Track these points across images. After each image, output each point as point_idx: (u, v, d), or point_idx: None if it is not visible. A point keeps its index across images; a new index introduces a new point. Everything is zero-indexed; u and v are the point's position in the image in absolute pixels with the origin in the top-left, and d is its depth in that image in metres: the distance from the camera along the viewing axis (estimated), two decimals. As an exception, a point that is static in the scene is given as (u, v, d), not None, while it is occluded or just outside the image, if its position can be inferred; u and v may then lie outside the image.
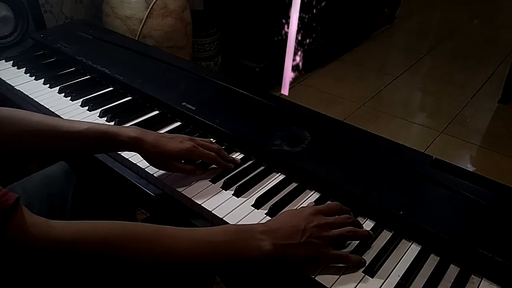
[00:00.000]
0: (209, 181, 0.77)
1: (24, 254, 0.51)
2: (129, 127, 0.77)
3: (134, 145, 0.74)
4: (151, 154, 0.75)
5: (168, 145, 0.75)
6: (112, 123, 0.94)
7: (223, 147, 0.86)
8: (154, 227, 0.58)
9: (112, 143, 0.75)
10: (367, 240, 0.65)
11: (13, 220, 0.49)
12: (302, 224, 0.61)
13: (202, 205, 0.72)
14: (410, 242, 0.67)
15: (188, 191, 0.75)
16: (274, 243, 0.59)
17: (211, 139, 0.87)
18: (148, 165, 0.80)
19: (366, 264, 0.62)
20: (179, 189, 0.75)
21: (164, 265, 0.56)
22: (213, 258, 0.58)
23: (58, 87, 1.07)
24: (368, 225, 0.69)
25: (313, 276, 0.60)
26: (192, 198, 0.73)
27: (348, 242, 0.65)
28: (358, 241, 0.65)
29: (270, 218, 0.69)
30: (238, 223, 0.68)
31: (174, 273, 0.58)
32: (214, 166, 0.80)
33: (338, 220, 0.64)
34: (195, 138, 0.80)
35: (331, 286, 0.59)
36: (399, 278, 0.60)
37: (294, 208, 0.72)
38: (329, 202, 0.72)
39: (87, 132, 0.74)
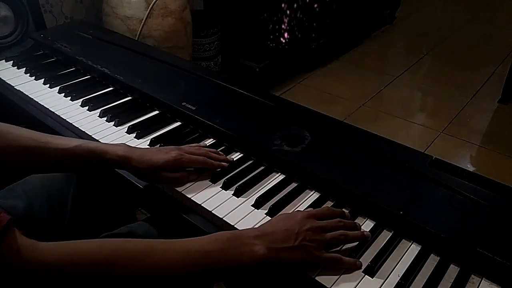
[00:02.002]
0: (209, 181, 0.77)
1: (13, 278, 0.50)
2: (117, 145, 0.77)
3: (122, 163, 0.75)
4: (140, 169, 0.75)
5: (155, 157, 0.75)
6: (112, 123, 0.94)
7: (223, 147, 0.86)
8: (144, 242, 0.58)
9: (100, 161, 0.75)
10: (363, 241, 0.65)
11: (3, 243, 0.48)
12: (296, 228, 0.61)
13: (202, 205, 0.72)
14: (410, 242, 0.67)
15: (188, 191, 0.75)
16: (268, 247, 0.59)
17: (202, 143, 0.87)
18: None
19: (366, 264, 0.62)
20: (179, 189, 0.75)
21: (157, 280, 0.56)
22: (207, 268, 0.58)
23: (58, 87, 1.07)
24: (368, 225, 0.69)
25: (313, 276, 0.60)
26: (192, 198, 0.73)
27: (347, 243, 0.65)
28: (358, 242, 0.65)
29: (270, 218, 0.70)
30: (238, 223, 0.69)
31: (169, 286, 0.57)
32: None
33: (331, 223, 0.64)
34: (181, 147, 0.80)
35: (331, 286, 0.59)
36: (399, 278, 0.60)
37: (292, 209, 0.72)
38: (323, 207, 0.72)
39: (75, 150, 0.74)
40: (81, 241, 0.55)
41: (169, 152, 0.77)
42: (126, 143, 0.79)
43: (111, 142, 0.88)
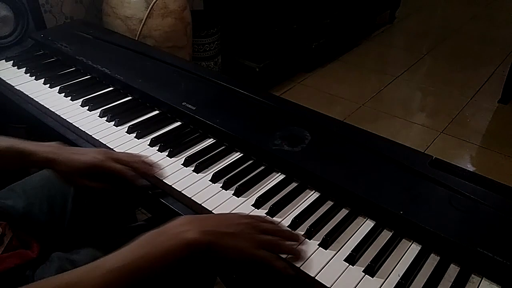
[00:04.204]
0: (209, 180, 0.77)
1: None
2: (48, 145, 0.76)
3: (48, 164, 0.75)
4: (63, 172, 0.74)
5: (82, 158, 0.73)
6: (112, 123, 0.94)
7: (223, 147, 0.86)
8: (56, 280, 0.53)
9: (28, 162, 0.75)
10: (296, 255, 0.63)
11: None
12: (235, 219, 0.61)
13: (202, 204, 0.72)
14: (410, 241, 0.67)
15: (188, 191, 0.75)
16: (201, 230, 0.57)
17: (138, 155, 0.82)
18: (148, 165, 0.80)
19: (367, 264, 0.62)
20: (179, 189, 0.75)
21: None
22: (139, 278, 0.54)
23: (58, 87, 1.07)
24: (368, 224, 0.69)
25: (313, 276, 0.60)
26: (192, 198, 0.73)
27: (346, 239, 0.65)
28: (360, 240, 0.65)
29: (270, 218, 0.70)
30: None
31: None
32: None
33: (271, 227, 0.63)
34: (113, 152, 0.78)
35: (331, 286, 0.59)
36: (399, 277, 0.60)
37: (293, 209, 0.72)
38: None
39: (2, 150, 0.74)
40: None
41: (93, 155, 0.74)
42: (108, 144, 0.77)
43: (111, 142, 0.88)
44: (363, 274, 0.61)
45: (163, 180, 0.77)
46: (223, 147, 0.87)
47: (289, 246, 0.63)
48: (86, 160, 0.73)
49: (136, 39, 1.71)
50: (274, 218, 0.70)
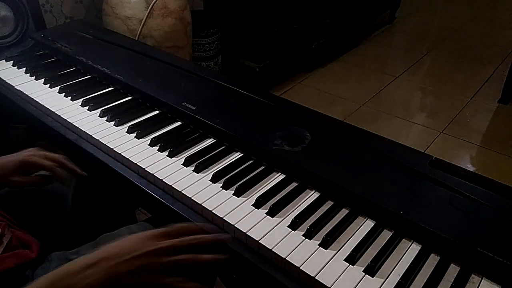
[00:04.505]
0: (209, 180, 0.77)
1: None
2: None
3: None
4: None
5: (7, 161, 0.76)
6: (112, 123, 0.94)
7: (223, 147, 0.86)
8: None
9: None
10: (216, 263, 0.62)
11: None
12: (138, 249, 0.59)
13: (202, 204, 0.72)
14: (410, 241, 0.67)
15: (188, 191, 0.75)
16: (104, 273, 0.56)
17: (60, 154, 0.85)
18: (149, 164, 0.81)
19: (367, 264, 0.62)
20: (179, 189, 0.75)
21: None
22: None
23: (58, 87, 1.07)
24: (368, 224, 0.69)
25: (313, 276, 0.60)
26: (192, 198, 0.73)
27: (346, 239, 0.65)
28: (360, 239, 0.65)
29: (270, 217, 0.70)
30: (238, 223, 0.68)
31: None
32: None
33: (175, 245, 0.61)
34: (40, 149, 0.79)
35: (332, 286, 0.59)
36: (399, 277, 0.60)
37: (293, 209, 0.72)
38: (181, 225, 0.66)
39: None
40: None
41: (19, 154, 0.77)
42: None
43: (111, 142, 0.88)
44: (363, 274, 0.61)
45: (163, 180, 0.77)
46: (223, 147, 0.87)
47: (204, 257, 0.61)
48: (16, 159, 0.76)
49: (136, 39, 1.72)
50: (274, 218, 0.70)
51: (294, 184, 0.77)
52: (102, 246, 0.60)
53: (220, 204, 0.72)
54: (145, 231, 0.63)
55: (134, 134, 0.90)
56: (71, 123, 0.94)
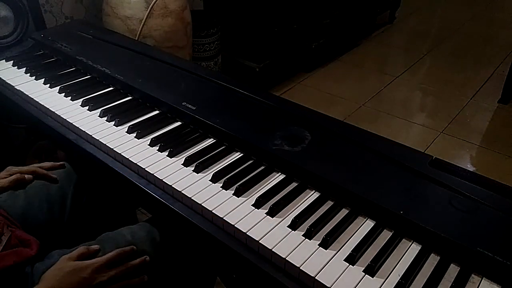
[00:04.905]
0: (209, 180, 0.77)
1: None
2: None
3: None
4: None
5: None
6: (112, 123, 0.94)
7: (223, 147, 0.86)
8: None
9: None
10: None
11: None
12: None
13: (202, 204, 0.72)
14: (410, 241, 0.67)
15: (188, 191, 0.75)
16: None
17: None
18: (149, 164, 0.81)
19: (367, 264, 0.62)
20: (179, 189, 0.75)
21: None
22: None
23: (58, 87, 1.07)
24: (368, 224, 0.69)
25: (313, 276, 0.60)
26: (192, 198, 0.73)
27: (346, 239, 0.66)
28: (360, 239, 0.65)
29: (270, 217, 0.70)
30: (238, 223, 0.68)
31: None
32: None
33: (103, 278, 0.68)
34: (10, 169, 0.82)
35: (332, 286, 0.59)
36: (399, 277, 0.60)
37: (293, 209, 0.72)
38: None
39: None
40: None
41: None
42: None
43: (111, 142, 0.88)
44: (363, 274, 0.61)
45: (163, 180, 0.77)
46: (223, 147, 0.87)
47: (135, 283, 0.70)
48: None
49: (136, 39, 1.71)
50: (274, 218, 0.70)
51: (294, 184, 0.77)
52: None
53: (220, 204, 0.72)
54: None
55: (134, 134, 0.90)
56: (71, 123, 0.94)
